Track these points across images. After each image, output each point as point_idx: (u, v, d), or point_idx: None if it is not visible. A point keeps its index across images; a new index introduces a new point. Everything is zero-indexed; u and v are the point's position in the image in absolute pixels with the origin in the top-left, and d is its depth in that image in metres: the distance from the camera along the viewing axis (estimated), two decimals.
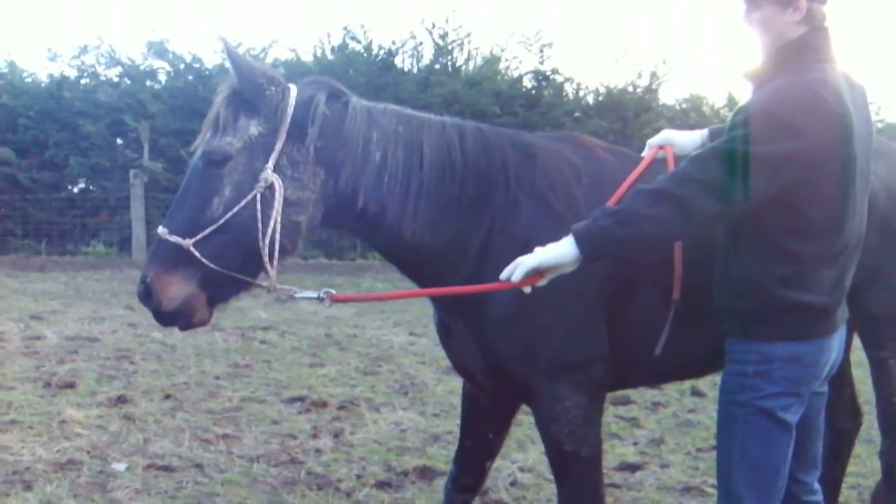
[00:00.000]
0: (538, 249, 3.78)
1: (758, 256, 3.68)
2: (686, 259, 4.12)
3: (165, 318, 4.14)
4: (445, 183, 4.24)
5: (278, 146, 4.04)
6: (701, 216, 3.61)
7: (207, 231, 3.99)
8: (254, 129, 4.06)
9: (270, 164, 4.02)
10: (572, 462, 4.40)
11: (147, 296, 4.07)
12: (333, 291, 4.20)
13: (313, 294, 4.19)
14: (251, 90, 4.08)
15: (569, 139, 4.62)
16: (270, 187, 4.00)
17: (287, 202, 4.04)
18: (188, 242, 3.98)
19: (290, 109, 4.09)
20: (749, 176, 3.49)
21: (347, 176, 4.14)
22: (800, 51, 3.68)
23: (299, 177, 4.08)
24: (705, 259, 3.98)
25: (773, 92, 3.59)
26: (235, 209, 4.00)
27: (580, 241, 3.67)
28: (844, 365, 4.89)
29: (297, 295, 4.26)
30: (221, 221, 4.00)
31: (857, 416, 5.60)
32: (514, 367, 4.29)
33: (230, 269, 4.07)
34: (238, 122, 4.05)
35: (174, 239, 3.99)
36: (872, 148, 3.86)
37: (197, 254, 3.98)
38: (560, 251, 3.72)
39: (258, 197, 4.00)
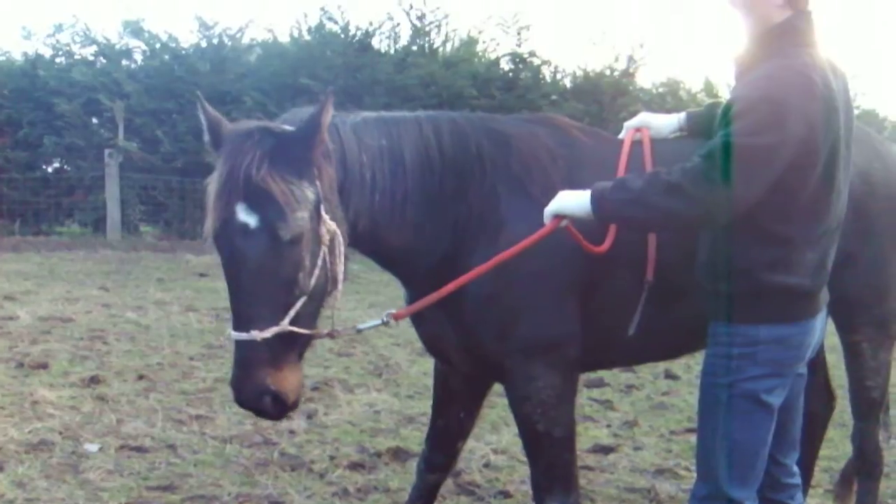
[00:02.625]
0: (560, 194, 3.88)
1: (744, 240, 3.68)
2: (660, 240, 4.16)
3: (292, 409, 3.97)
4: (427, 184, 4.22)
5: (322, 194, 3.87)
6: (712, 211, 3.61)
7: (299, 305, 3.80)
8: (310, 192, 3.81)
9: (325, 215, 3.85)
10: (545, 442, 4.42)
11: (276, 403, 3.84)
12: (394, 311, 4.20)
13: (377, 321, 4.18)
14: (306, 148, 3.85)
15: (543, 122, 4.62)
16: (333, 236, 3.88)
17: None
18: (285, 325, 3.76)
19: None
20: (758, 167, 3.49)
21: (354, 202, 4.07)
22: (785, 34, 3.67)
23: (335, 214, 3.94)
24: (679, 240, 4.04)
25: (768, 79, 3.57)
26: (316, 272, 3.84)
27: (593, 204, 3.72)
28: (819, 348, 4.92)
29: (360, 327, 4.25)
30: (310, 291, 3.84)
31: (831, 400, 5.63)
32: (489, 347, 4.31)
33: (314, 325, 3.97)
34: (296, 193, 3.76)
35: (271, 331, 3.73)
36: (853, 133, 3.87)
37: (297, 329, 3.80)
38: (577, 203, 3.80)
39: (326, 251, 3.87)
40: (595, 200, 3.72)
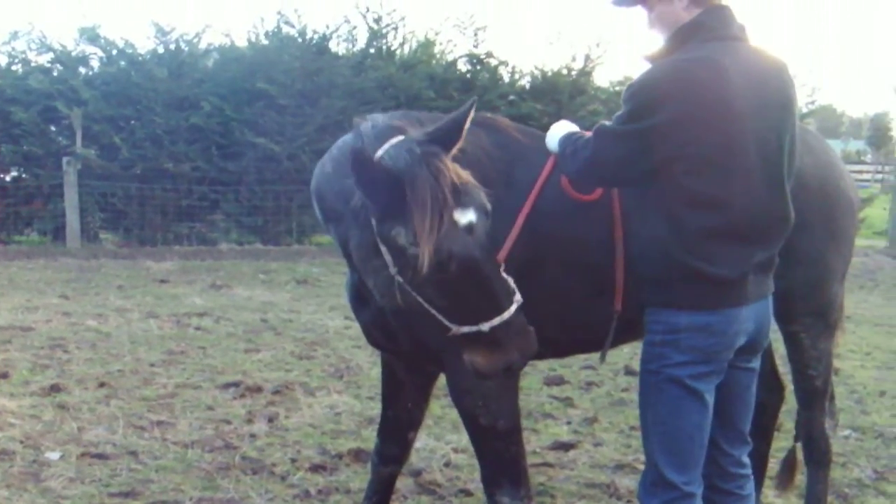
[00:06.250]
0: (551, 130, 4.33)
1: (659, 225, 3.81)
2: (586, 235, 4.33)
3: None
4: None
5: None
6: (600, 181, 4.11)
7: None
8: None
9: None
10: (490, 436, 4.46)
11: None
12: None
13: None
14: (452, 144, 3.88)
15: (485, 124, 4.62)
16: None
17: None
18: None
19: None
20: (628, 151, 3.76)
21: None
22: (691, 31, 3.83)
23: None
24: (605, 237, 4.25)
25: (647, 71, 3.80)
26: None
27: (559, 142, 4.18)
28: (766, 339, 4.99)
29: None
30: None
31: (780, 390, 5.72)
32: (429, 338, 4.30)
33: None
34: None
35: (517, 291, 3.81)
36: (794, 126, 3.94)
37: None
38: (550, 144, 4.29)
39: None
40: (557, 141, 4.19)
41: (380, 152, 3.74)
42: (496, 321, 3.66)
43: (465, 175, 3.72)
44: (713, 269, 3.75)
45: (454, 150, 3.81)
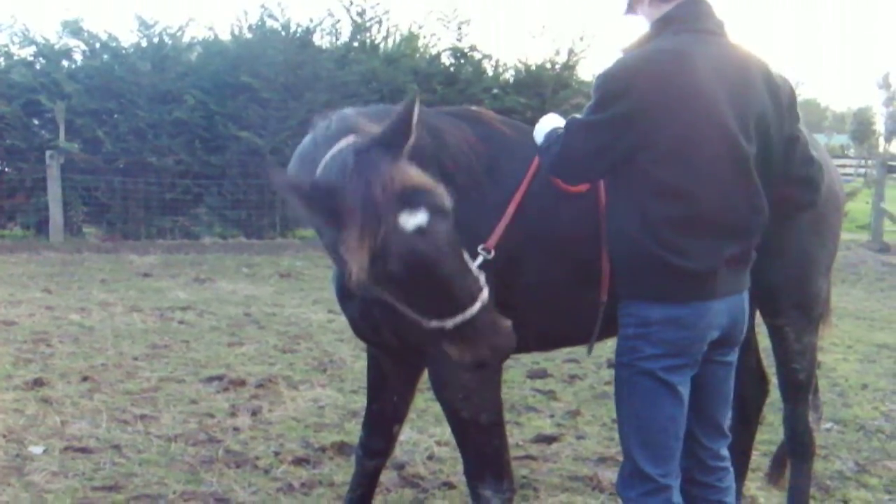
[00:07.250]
0: (538, 124, 4.32)
1: (629, 217, 3.84)
2: (574, 228, 4.32)
3: None
4: None
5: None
6: (572, 175, 4.08)
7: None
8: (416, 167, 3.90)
9: None
10: (472, 429, 4.46)
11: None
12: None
13: (480, 258, 4.01)
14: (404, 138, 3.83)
15: (467, 115, 4.65)
16: None
17: None
18: (482, 276, 3.85)
19: None
20: (597, 142, 3.79)
21: None
22: (663, 24, 3.90)
23: None
24: (593, 230, 4.22)
25: (615, 62, 3.85)
26: None
27: (543, 138, 4.18)
28: (748, 332, 5.00)
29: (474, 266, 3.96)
30: None
31: (763, 384, 5.73)
32: (409, 333, 4.29)
33: None
34: (419, 171, 3.81)
35: (485, 287, 3.78)
36: (770, 122, 3.94)
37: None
38: (536, 133, 4.29)
39: None
40: (543, 135, 4.19)
41: (323, 161, 3.82)
42: (458, 319, 3.68)
43: (417, 176, 3.69)
44: (682, 261, 3.75)
45: (406, 148, 3.75)
